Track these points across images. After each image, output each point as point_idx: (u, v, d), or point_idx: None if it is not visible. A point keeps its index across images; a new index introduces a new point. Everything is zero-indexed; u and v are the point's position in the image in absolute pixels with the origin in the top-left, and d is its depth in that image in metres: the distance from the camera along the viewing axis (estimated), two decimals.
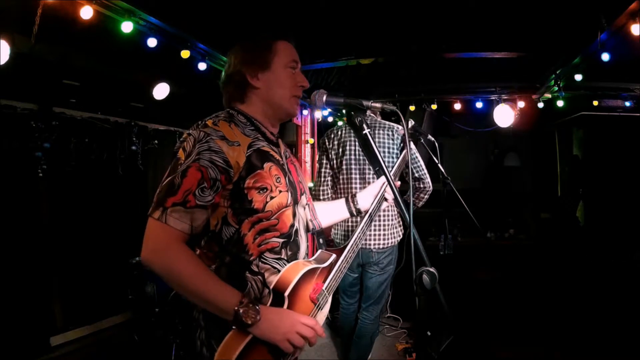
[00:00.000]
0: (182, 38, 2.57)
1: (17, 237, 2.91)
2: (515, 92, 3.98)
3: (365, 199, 1.54)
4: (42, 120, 3.05)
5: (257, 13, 2.85)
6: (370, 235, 2.42)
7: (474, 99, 4.07)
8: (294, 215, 1.21)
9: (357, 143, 2.48)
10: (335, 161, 2.57)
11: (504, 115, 3.94)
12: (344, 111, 4.22)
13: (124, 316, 3.53)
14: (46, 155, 3.06)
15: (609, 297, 3.64)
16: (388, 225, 2.42)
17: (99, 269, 3.41)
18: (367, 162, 2.44)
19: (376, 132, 2.43)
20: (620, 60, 2.58)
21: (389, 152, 2.44)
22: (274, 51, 1.25)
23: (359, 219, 2.39)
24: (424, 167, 2.41)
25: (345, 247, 1.30)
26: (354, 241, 1.33)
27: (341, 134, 2.56)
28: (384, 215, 2.41)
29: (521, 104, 4.00)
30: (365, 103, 1.53)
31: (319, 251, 1.28)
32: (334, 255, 1.25)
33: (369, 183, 2.43)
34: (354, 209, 1.52)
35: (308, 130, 4.39)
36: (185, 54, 2.61)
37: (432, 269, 1.25)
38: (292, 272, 1.11)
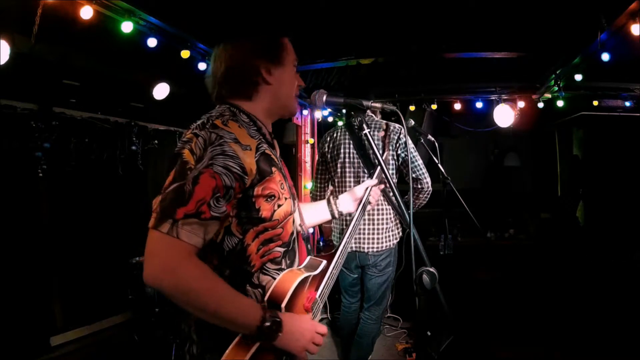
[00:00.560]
0: (182, 38, 2.57)
1: (17, 237, 2.91)
2: (515, 92, 3.98)
3: (347, 201, 1.51)
4: (42, 120, 3.05)
5: (257, 13, 2.85)
6: (365, 238, 2.42)
7: (474, 99, 4.07)
8: (293, 222, 1.16)
9: (352, 145, 2.47)
10: (331, 164, 2.57)
11: (504, 115, 3.94)
12: (344, 111, 4.22)
13: (124, 316, 3.53)
14: (46, 155, 3.06)
15: (609, 297, 3.64)
16: (383, 228, 2.41)
17: (99, 269, 3.41)
18: (361, 164, 2.42)
19: (375, 132, 2.43)
20: (620, 60, 2.58)
21: (379, 153, 2.43)
22: (284, 47, 1.19)
23: (349, 217, 2.40)
24: (422, 167, 2.39)
25: (335, 253, 1.27)
26: (343, 246, 1.30)
27: (337, 136, 2.55)
28: (379, 219, 2.41)
29: (521, 104, 4.00)
30: (365, 103, 1.53)
31: (309, 258, 1.23)
32: (324, 262, 1.21)
33: None
34: (335, 212, 1.49)
35: (308, 130, 4.39)
36: (185, 54, 2.61)
37: (432, 269, 1.25)
38: (286, 282, 1.05)
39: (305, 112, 4.35)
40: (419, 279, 1.22)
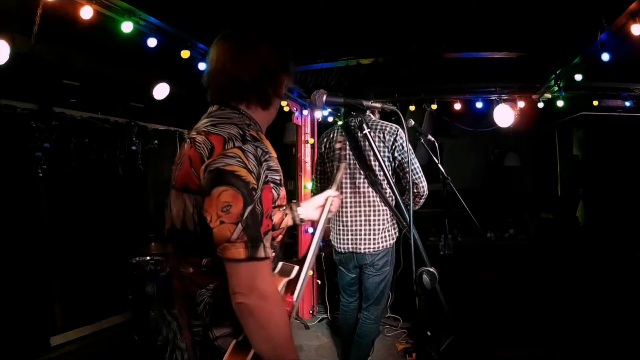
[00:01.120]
0: (182, 38, 2.57)
1: (17, 237, 2.91)
2: (515, 92, 3.97)
3: (308, 209, 1.50)
4: (42, 120, 3.05)
5: (257, 13, 2.85)
6: (362, 239, 2.42)
7: (474, 99, 4.07)
8: None
9: (347, 147, 2.46)
10: (327, 164, 2.57)
11: (504, 115, 3.94)
12: (343, 111, 4.22)
13: (124, 316, 3.52)
14: (46, 155, 3.07)
15: (609, 296, 3.64)
16: (380, 229, 2.41)
17: (99, 269, 3.41)
18: (357, 166, 2.42)
19: (374, 133, 2.42)
20: (620, 60, 2.58)
21: (379, 153, 2.43)
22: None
23: (345, 218, 2.41)
24: (420, 171, 2.37)
25: (305, 258, 1.27)
26: (313, 253, 1.30)
27: (333, 137, 2.55)
28: (375, 219, 2.40)
29: (521, 104, 4.00)
30: (365, 103, 1.53)
31: (281, 264, 1.22)
32: (296, 267, 1.20)
33: (359, 188, 2.42)
34: (297, 218, 1.47)
35: (308, 130, 4.39)
36: (185, 54, 2.61)
37: (432, 269, 1.25)
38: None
39: (305, 112, 4.35)
40: (419, 279, 1.22)
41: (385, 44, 3.39)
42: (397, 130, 2.37)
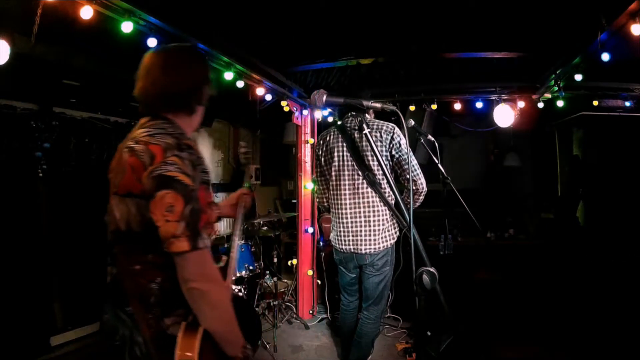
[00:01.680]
0: (182, 38, 2.57)
1: (17, 237, 2.91)
2: (515, 92, 3.97)
3: (224, 207, 1.70)
4: (42, 120, 3.05)
5: (257, 13, 2.85)
6: (362, 239, 2.42)
7: (474, 99, 4.07)
8: None
9: (345, 148, 2.46)
10: (325, 167, 2.57)
11: (504, 115, 3.94)
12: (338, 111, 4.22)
13: None
14: (46, 155, 3.07)
15: (610, 296, 3.64)
16: (379, 229, 2.41)
17: (99, 268, 3.41)
18: (355, 166, 2.42)
19: (373, 132, 2.42)
20: (620, 60, 2.58)
21: (379, 153, 2.43)
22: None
23: (345, 220, 2.42)
24: (417, 168, 2.38)
25: (230, 250, 1.47)
26: (234, 245, 1.51)
27: (330, 140, 2.54)
28: (375, 220, 2.40)
29: (521, 104, 3.99)
30: (365, 103, 1.53)
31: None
32: (224, 257, 1.41)
33: (358, 188, 2.42)
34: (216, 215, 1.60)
35: (308, 130, 4.38)
36: None
37: (432, 269, 1.25)
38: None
39: (305, 112, 4.35)
40: (419, 279, 1.23)
41: (385, 44, 3.39)
42: (394, 129, 2.38)
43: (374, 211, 2.40)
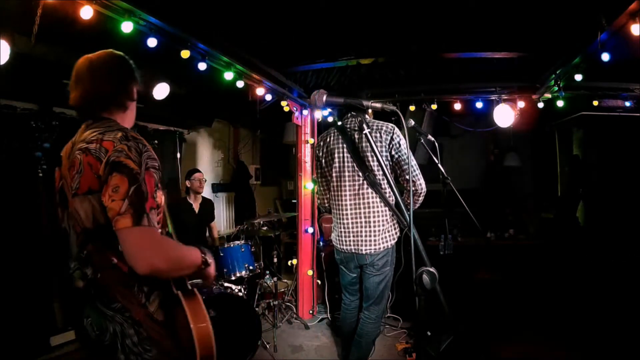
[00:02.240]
0: (182, 38, 2.57)
1: (17, 237, 2.91)
2: (515, 92, 3.97)
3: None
4: (42, 120, 3.05)
5: (257, 13, 2.85)
6: (362, 240, 2.42)
7: (474, 99, 4.07)
8: None
9: (345, 149, 2.46)
10: (326, 168, 2.57)
11: (504, 115, 3.94)
12: (337, 112, 4.22)
13: None
14: (46, 155, 3.06)
15: (610, 296, 3.64)
16: (379, 230, 2.40)
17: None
18: (355, 167, 2.42)
19: (373, 133, 2.41)
20: (620, 60, 2.58)
21: (379, 153, 2.43)
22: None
23: (346, 220, 2.42)
24: (417, 168, 2.37)
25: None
26: None
27: (329, 141, 2.54)
28: (375, 220, 2.40)
29: (521, 104, 4.00)
30: (365, 103, 1.53)
31: None
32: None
33: (358, 189, 2.42)
34: None
35: (308, 130, 4.38)
36: (185, 54, 2.61)
37: (432, 269, 1.25)
38: None
39: (305, 112, 4.35)
40: (419, 279, 1.23)
41: (385, 44, 3.39)
42: (393, 129, 2.38)
43: (374, 212, 2.40)
